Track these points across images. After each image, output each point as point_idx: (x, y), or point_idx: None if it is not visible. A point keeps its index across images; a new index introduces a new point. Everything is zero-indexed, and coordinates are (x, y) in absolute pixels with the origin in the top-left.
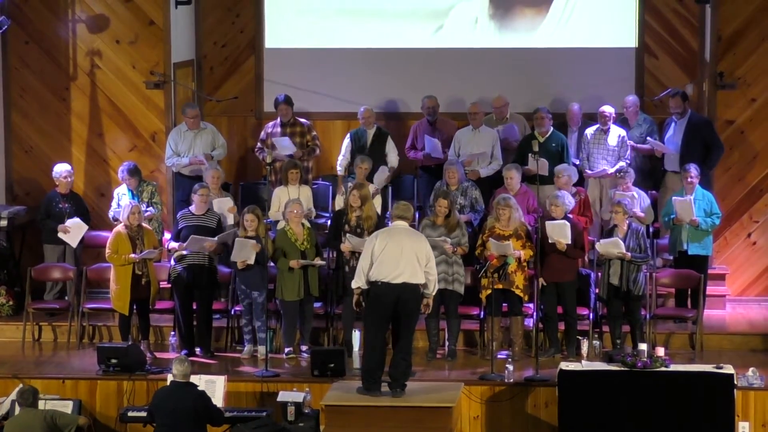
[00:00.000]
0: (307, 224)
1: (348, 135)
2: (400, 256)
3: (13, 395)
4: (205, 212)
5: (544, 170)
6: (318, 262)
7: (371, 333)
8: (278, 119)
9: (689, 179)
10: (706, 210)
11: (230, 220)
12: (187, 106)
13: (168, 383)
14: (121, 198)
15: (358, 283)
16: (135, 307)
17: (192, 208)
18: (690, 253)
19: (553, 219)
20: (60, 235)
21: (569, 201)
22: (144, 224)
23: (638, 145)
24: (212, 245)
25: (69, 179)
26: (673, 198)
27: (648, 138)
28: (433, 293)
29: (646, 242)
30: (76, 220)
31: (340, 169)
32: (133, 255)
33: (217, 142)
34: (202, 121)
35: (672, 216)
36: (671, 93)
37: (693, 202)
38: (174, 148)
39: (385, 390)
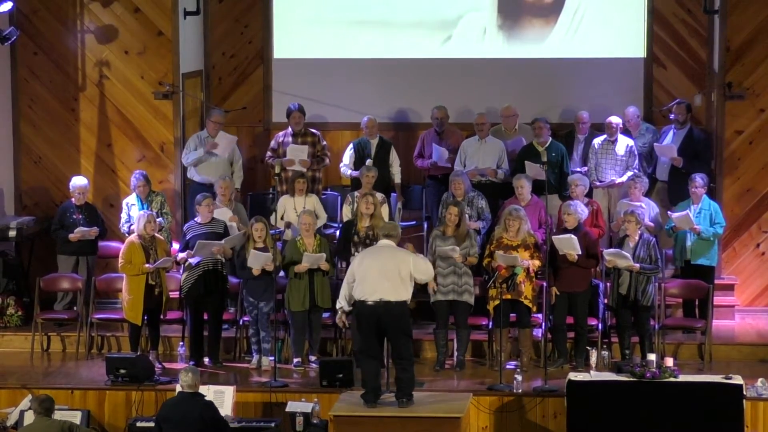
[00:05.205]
0: (319, 235)
1: (351, 144)
2: (379, 274)
3: (22, 405)
4: (210, 220)
5: (542, 176)
6: (321, 259)
7: (361, 348)
8: (289, 128)
9: (694, 189)
10: (711, 220)
11: (235, 230)
12: (214, 110)
13: (176, 394)
14: (131, 208)
15: (341, 303)
16: (145, 317)
17: (197, 218)
18: (693, 263)
19: (566, 229)
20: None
21: (581, 210)
22: (156, 234)
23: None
24: (220, 249)
25: (84, 194)
26: (669, 213)
27: (655, 144)
28: (431, 280)
29: (658, 253)
30: (90, 230)
31: (346, 172)
32: (148, 265)
33: (236, 160)
34: (223, 131)
35: (672, 224)
36: (679, 101)
37: (693, 212)
38: (193, 148)
39: (392, 401)
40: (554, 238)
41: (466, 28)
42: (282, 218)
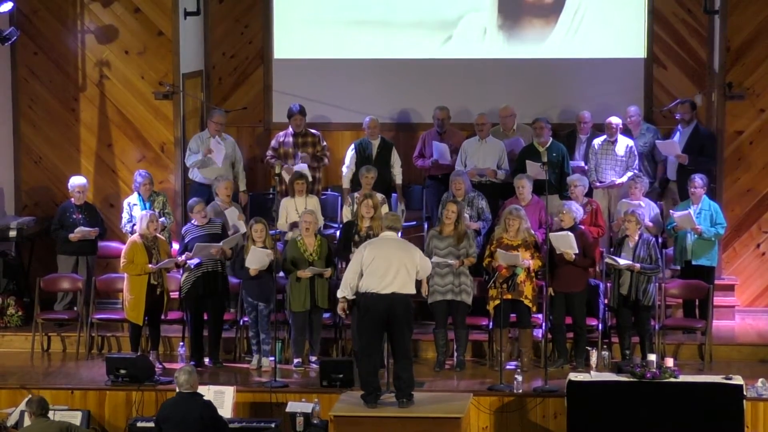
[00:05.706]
0: (320, 236)
1: (352, 146)
2: (389, 266)
3: (22, 405)
4: (207, 222)
5: (542, 176)
6: (326, 272)
7: (363, 342)
8: (290, 129)
9: (693, 189)
10: (711, 220)
11: (241, 228)
12: (215, 110)
13: (175, 394)
14: (133, 208)
15: (343, 292)
16: (146, 317)
17: (194, 221)
18: (694, 263)
19: (561, 229)
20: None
21: (576, 209)
22: (158, 234)
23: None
24: (218, 251)
25: (83, 193)
26: (671, 212)
27: (657, 141)
28: (425, 277)
29: (658, 252)
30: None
31: (345, 180)
32: (150, 265)
33: (237, 161)
34: (225, 132)
35: (673, 224)
36: (681, 101)
37: (693, 213)
38: (195, 149)
39: (392, 401)
40: (551, 235)
41: (467, 28)
42: (287, 221)
